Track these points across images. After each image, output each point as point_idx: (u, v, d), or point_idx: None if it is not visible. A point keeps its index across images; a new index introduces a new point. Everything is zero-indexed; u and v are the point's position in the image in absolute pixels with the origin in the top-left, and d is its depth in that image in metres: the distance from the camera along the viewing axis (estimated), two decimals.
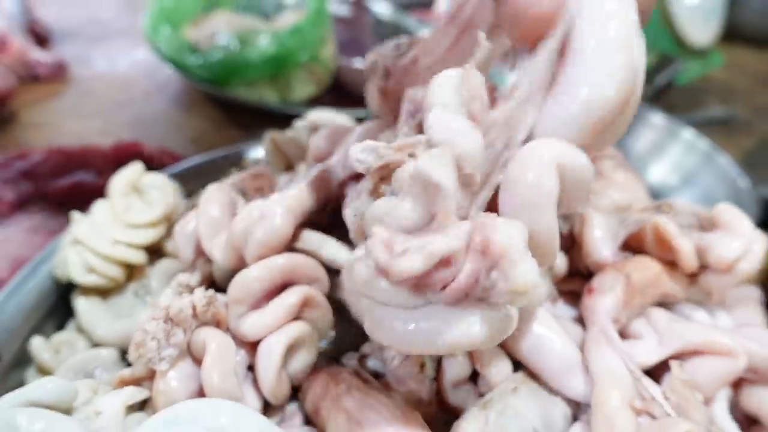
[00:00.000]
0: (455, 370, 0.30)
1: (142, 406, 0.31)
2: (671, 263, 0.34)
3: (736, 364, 0.30)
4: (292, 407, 0.32)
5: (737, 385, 0.32)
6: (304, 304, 0.32)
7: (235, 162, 0.55)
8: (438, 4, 1.07)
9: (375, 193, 0.26)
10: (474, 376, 0.30)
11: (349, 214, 0.30)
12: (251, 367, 0.31)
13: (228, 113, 0.80)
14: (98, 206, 0.43)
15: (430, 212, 0.23)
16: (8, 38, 0.84)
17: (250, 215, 0.33)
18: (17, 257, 0.50)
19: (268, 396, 0.30)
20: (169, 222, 0.43)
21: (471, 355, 0.30)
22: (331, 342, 0.35)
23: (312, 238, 0.34)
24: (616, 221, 0.36)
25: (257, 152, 0.56)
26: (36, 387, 0.28)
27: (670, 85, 0.87)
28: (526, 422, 0.28)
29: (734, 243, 0.33)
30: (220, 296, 0.32)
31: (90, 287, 0.40)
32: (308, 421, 0.31)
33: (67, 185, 0.57)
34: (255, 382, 0.31)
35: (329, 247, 0.34)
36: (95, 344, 0.39)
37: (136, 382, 0.32)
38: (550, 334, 0.30)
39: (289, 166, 0.47)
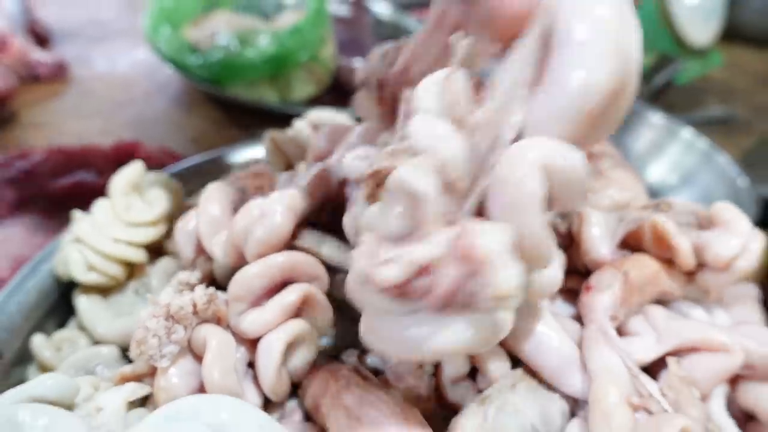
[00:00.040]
0: (454, 367, 0.30)
1: (144, 402, 0.32)
2: (669, 261, 0.34)
3: (733, 361, 0.30)
4: (292, 404, 0.32)
5: (734, 381, 0.32)
6: (304, 301, 0.32)
7: (235, 162, 0.55)
8: None
9: (371, 199, 0.26)
10: (473, 373, 0.31)
11: (347, 221, 0.30)
12: (251, 364, 0.32)
13: (228, 113, 0.81)
14: (99, 205, 0.43)
15: (414, 220, 0.23)
16: (8, 38, 0.84)
17: (251, 213, 0.33)
18: (17, 257, 0.50)
19: (268, 393, 0.31)
20: (170, 221, 0.44)
21: None
22: (331, 340, 0.35)
23: (312, 237, 0.34)
24: (614, 219, 0.36)
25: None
26: (37, 383, 0.28)
27: (669, 85, 0.88)
28: (525, 419, 0.28)
29: (732, 241, 0.33)
30: (220, 294, 0.32)
31: (91, 285, 0.41)
32: (308, 417, 0.31)
33: (67, 185, 0.57)
34: (255, 379, 0.31)
35: (329, 246, 0.34)
36: (96, 342, 0.39)
37: (137, 378, 0.32)
38: (548, 331, 0.30)
39: (289, 166, 0.47)
